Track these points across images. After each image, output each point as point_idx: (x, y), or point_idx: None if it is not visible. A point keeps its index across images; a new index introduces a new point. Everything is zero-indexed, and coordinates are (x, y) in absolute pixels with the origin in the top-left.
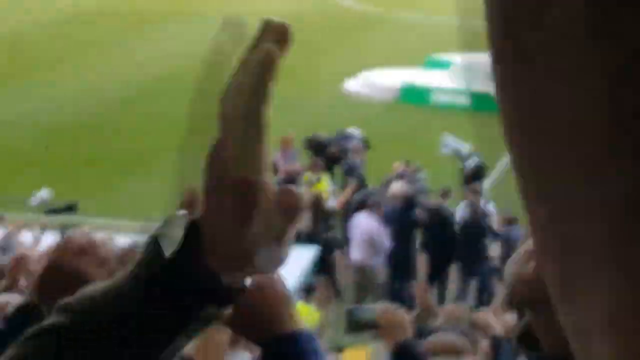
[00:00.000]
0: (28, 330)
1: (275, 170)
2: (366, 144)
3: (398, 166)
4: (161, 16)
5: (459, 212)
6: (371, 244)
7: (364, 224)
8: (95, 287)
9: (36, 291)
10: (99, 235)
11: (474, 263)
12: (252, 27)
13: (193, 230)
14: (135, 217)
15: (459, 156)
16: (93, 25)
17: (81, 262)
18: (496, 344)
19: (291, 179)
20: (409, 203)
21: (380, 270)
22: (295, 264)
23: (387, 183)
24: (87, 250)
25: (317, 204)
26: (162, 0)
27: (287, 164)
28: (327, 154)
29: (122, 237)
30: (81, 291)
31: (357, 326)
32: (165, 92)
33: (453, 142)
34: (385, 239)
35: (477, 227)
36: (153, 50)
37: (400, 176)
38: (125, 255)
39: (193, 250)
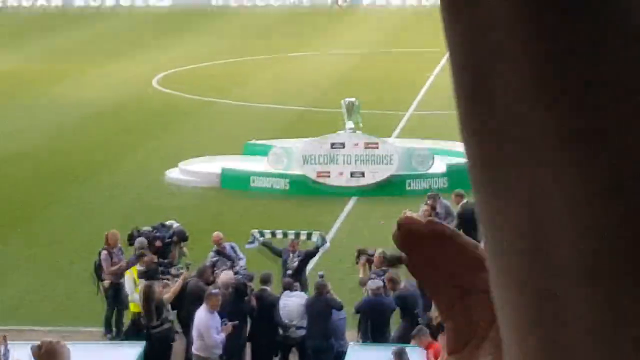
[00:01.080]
0: None
1: (101, 269)
2: (184, 236)
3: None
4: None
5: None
6: (203, 336)
7: (199, 318)
8: None
9: None
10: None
11: None
12: None
13: None
14: None
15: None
16: None
17: None
18: None
19: (118, 277)
20: (240, 291)
21: None
22: None
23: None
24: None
25: (150, 295)
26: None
27: (114, 262)
28: (151, 248)
29: None
30: None
31: None
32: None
33: (259, 237)
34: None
35: None
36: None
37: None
38: None
39: None
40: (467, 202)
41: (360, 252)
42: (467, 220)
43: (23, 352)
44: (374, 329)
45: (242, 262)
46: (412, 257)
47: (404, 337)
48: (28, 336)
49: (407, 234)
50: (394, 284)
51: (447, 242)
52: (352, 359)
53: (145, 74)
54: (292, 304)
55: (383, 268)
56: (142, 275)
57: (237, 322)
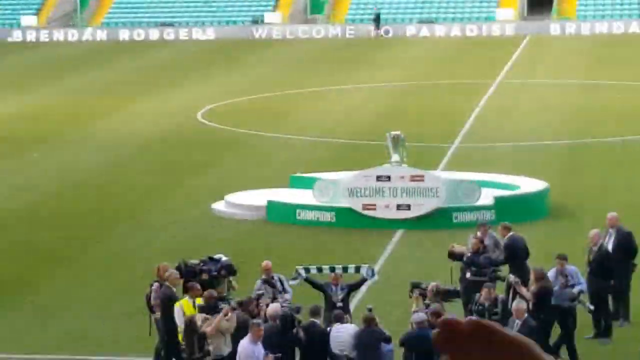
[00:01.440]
0: None
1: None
2: (233, 270)
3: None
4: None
5: None
6: None
7: (242, 347)
8: None
9: None
10: None
11: None
12: None
13: None
14: (5, 349)
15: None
16: None
17: None
18: None
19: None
20: (287, 323)
21: None
22: None
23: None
24: None
25: (191, 328)
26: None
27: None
28: (198, 280)
29: None
30: None
31: None
32: (36, 218)
33: (303, 274)
34: None
35: None
36: (21, 179)
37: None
38: None
39: None
40: (513, 234)
41: (414, 286)
42: (514, 252)
43: None
44: None
45: (287, 296)
46: (454, 357)
47: None
48: None
49: (449, 336)
50: (437, 317)
51: (490, 337)
52: None
53: (189, 107)
54: (343, 335)
55: (437, 301)
56: (202, 309)
57: (279, 354)
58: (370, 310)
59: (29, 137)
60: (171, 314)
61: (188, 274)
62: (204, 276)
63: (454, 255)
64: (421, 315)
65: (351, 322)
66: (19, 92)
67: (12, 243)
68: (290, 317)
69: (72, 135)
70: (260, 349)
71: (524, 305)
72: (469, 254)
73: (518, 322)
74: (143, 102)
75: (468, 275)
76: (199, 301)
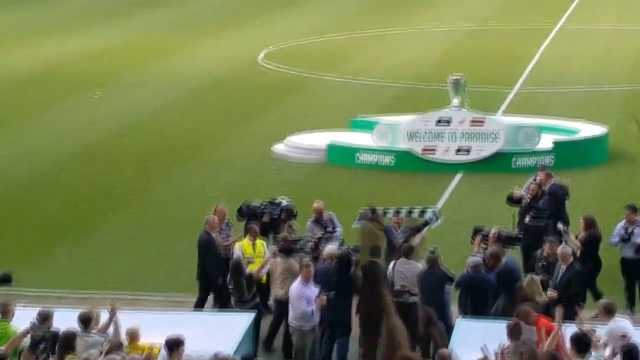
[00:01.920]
0: None
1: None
2: (293, 212)
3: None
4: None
5: None
6: (294, 306)
7: (292, 289)
8: None
9: None
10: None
11: None
12: None
13: None
14: (67, 288)
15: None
16: (30, 92)
17: None
18: None
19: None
20: (344, 263)
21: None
22: (231, 331)
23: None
24: None
25: (238, 270)
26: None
27: (223, 237)
28: (260, 222)
29: (58, 310)
30: None
31: None
32: (96, 159)
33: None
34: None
35: None
36: (83, 119)
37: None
38: None
39: None
40: (554, 181)
41: (476, 231)
42: (556, 199)
43: (135, 319)
44: (473, 305)
45: (338, 230)
46: None
47: (503, 313)
48: (141, 305)
49: None
50: (496, 260)
51: None
52: (460, 332)
53: (251, 49)
54: (408, 271)
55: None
56: (279, 251)
57: (331, 293)
58: (433, 252)
59: (92, 77)
60: (208, 257)
61: (249, 215)
62: (265, 218)
63: (512, 199)
64: (477, 259)
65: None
66: (82, 32)
67: (71, 184)
68: (347, 257)
69: (133, 76)
70: (310, 289)
71: (568, 249)
72: (528, 199)
73: (563, 267)
74: (204, 44)
75: (527, 220)
76: (245, 242)
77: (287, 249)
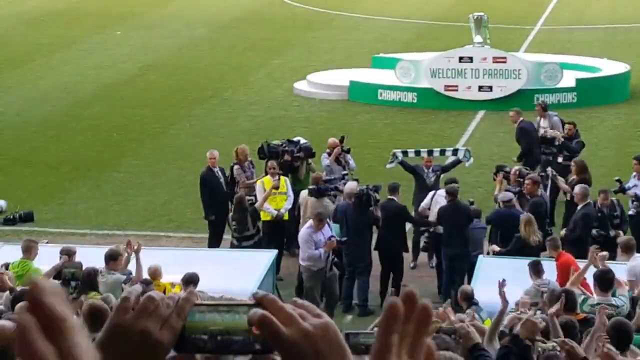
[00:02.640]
0: None
1: (236, 183)
2: (311, 152)
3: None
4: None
5: None
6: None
7: (303, 233)
8: None
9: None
10: (155, 293)
11: None
12: None
13: None
14: (89, 226)
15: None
16: (52, 29)
17: (147, 323)
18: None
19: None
20: (363, 202)
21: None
22: (253, 269)
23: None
24: (149, 310)
25: (241, 205)
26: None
27: (246, 175)
28: (280, 161)
29: (80, 247)
30: None
31: (356, 351)
32: (118, 97)
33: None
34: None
35: None
36: (105, 56)
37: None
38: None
39: None
40: (523, 120)
41: (499, 169)
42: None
43: (156, 257)
44: (503, 240)
45: (351, 163)
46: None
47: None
48: (163, 242)
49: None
50: (534, 184)
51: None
52: (482, 269)
53: None
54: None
55: (520, 184)
56: (312, 193)
57: (343, 239)
58: (453, 181)
59: (113, 15)
60: (202, 193)
61: (271, 154)
62: (287, 157)
63: (545, 140)
64: (509, 194)
65: None
66: None
67: (93, 121)
68: (366, 196)
69: (155, 14)
70: (321, 234)
71: (584, 189)
72: (562, 139)
73: (579, 206)
74: None
75: (560, 160)
76: (268, 179)
77: (320, 190)
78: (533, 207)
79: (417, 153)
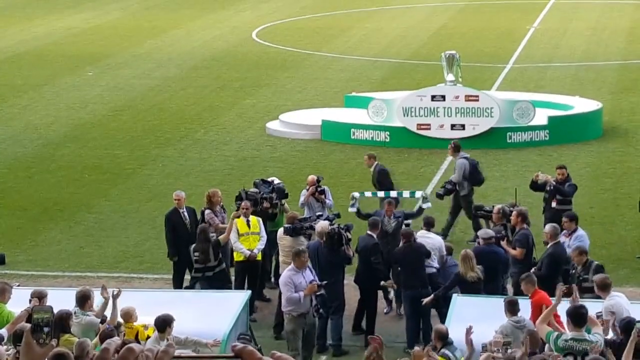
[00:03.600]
0: None
1: (209, 224)
2: (284, 193)
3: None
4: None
5: None
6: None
7: (283, 275)
8: None
9: None
10: (135, 345)
11: None
12: None
13: None
14: (61, 268)
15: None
16: (24, 70)
17: None
18: None
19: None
20: (334, 241)
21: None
22: (227, 309)
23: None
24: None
25: (204, 236)
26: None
27: (219, 218)
28: (260, 209)
29: (52, 289)
30: None
31: None
32: (90, 137)
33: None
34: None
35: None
36: (77, 97)
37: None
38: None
39: None
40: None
41: (477, 209)
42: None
43: (129, 298)
44: (486, 277)
45: (328, 202)
46: None
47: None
48: (136, 284)
49: None
50: (523, 219)
51: None
52: (456, 308)
53: (244, 26)
54: (429, 244)
55: (503, 223)
56: (287, 231)
57: (324, 282)
58: (408, 225)
59: (84, 56)
60: (169, 232)
61: (249, 201)
62: (265, 204)
63: (536, 185)
64: (489, 231)
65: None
66: (73, 11)
67: (65, 162)
68: (337, 235)
69: (126, 54)
70: (302, 276)
71: (556, 227)
72: (554, 183)
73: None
74: (198, 21)
75: (554, 205)
76: (241, 220)
77: (296, 229)
78: (521, 240)
79: (375, 194)
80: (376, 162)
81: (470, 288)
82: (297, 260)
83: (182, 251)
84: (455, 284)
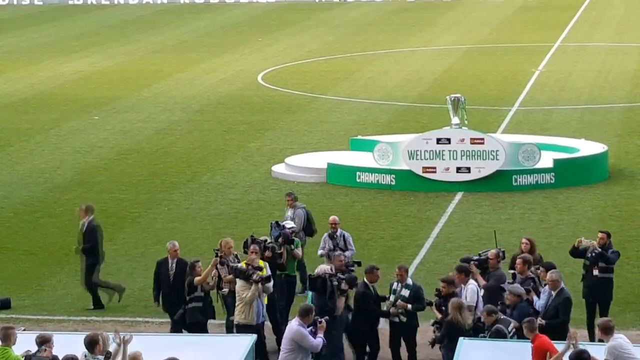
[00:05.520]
0: None
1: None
2: (289, 239)
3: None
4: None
5: None
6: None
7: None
8: None
9: None
10: None
11: None
12: None
13: None
14: (67, 312)
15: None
16: (30, 114)
17: None
18: None
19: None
20: (321, 287)
21: None
22: (232, 354)
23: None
24: None
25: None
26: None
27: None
28: (264, 256)
29: (58, 334)
30: None
31: None
32: (96, 181)
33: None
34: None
35: None
36: (83, 141)
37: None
38: None
39: None
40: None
41: (466, 261)
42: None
43: (135, 342)
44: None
45: (347, 254)
46: None
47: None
48: (142, 328)
49: None
50: (524, 266)
51: None
52: (462, 351)
53: (250, 70)
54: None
55: (531, 277)
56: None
57: (325, 317)
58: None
59: (90, 99)
60: (155, 275)
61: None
62: (267, 253)
63: (577, 251)
64: (517, 288)
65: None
66: (80, 55)
67: (71, 207)
68: (321, 282)
69: (132, 98)
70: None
71: (558, 275)
72: (599, 249)
73: (552, 293)
74: (203, 65)
75: (596, 272)
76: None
77: (244, 274)
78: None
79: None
80: (89, 217)
81: (464, 335)
82: (304, 319)
83: (163, 300)
84: (447, 331)
